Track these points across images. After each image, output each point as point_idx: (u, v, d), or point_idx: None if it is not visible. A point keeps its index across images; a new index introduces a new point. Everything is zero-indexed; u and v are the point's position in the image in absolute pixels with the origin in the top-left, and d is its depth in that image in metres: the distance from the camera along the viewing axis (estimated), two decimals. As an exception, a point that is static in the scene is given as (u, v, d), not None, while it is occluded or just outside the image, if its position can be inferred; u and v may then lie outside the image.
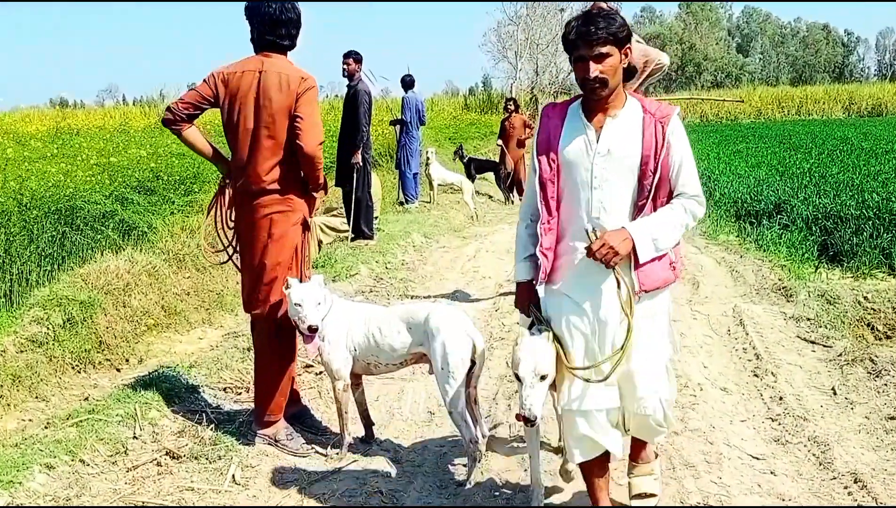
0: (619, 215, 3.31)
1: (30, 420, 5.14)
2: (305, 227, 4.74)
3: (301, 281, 4.45)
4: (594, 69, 3.18)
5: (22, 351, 5.65)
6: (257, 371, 4.77)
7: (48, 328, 5.97)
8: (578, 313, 3.39)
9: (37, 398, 5.44)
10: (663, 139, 3.26)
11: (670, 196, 3.35)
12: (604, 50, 3.17)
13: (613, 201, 3.31)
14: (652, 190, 3.29)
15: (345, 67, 10.59)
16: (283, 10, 4.56)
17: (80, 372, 5.95)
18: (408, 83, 14.35)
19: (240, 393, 5.58)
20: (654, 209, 3.32)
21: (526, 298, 3.60)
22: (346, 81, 10.73)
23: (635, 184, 3.32)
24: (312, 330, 4.32)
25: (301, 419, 5.03)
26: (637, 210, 3.31)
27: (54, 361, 5.81)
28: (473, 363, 4.24)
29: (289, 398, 4.88)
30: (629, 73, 3.37)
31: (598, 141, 3.31)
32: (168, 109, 4.65)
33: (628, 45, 3.25)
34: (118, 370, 6.12)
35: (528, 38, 43.96)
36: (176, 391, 5.36)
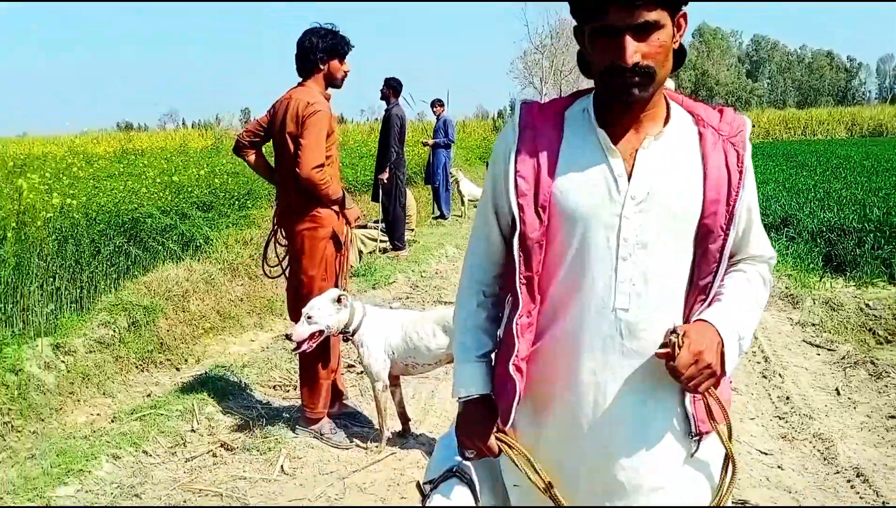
0: (661, 305, 1.73)
1: (98, 415, 5.20)
2: (337, 241, 4.69)
3: None
4: (634, 50, 1.60)
5: (91, 352, 5.71)
6: (301, 372, 4.79)
7: (114, 331, 6.03)
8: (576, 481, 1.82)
9: (104, 394, 5.49)
10: (740, 174, 1.74)
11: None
12: (651, 17, 1.60)
13: (655, 281, 1.72)
14: (723, 260, 1.75)
15: (381, 91, 10.73)
16: (300, 41, 4.62)
17: (143, 371, 6.01)
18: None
19: (288, 391, 5.61)
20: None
21: (487, 427, 1.85)
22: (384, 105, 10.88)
23: (692, 251, 1.75)
24: (288, 338, 4.37)
25: (347, 414, 5.06)
26: (698, 293, 1.76)
27: (120, 361, 5.87)
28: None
29: (334, 395, 4.91)
30: (679, 58, 1.75)
31: (629, 178, 1.71)
32: (237, 138, 4.85)
33: (683, 13, 1.69)
34: (177, 370, 6.17)
35: (552, 66, 44.08)
36: (230, 389, 5.41)
